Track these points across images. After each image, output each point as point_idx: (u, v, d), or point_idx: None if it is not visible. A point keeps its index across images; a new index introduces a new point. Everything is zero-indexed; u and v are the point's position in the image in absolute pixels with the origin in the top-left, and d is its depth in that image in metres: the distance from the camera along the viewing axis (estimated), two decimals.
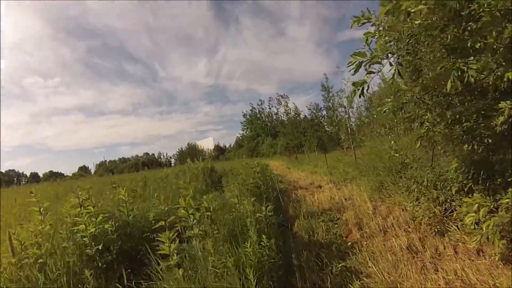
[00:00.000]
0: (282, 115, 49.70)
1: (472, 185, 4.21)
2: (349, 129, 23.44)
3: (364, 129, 18.08)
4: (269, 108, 57.22)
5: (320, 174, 12.00)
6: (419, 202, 5.00)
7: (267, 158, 41.98)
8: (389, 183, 6.49)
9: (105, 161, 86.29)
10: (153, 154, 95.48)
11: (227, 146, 78.49)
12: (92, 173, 64.37)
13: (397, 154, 8.16)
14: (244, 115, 60.65)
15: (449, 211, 4.46)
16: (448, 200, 4.52)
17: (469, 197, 3.54)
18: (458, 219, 4.28)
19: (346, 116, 25.86)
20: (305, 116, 33.16)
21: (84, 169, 77.03)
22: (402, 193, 5.84)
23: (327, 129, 28.90)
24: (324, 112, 29.11)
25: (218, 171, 12.53)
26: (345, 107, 26.60)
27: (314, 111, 31.13)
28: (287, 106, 44.63)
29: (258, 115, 58.61)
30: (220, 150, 74.96)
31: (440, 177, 4.79)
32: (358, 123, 23.14)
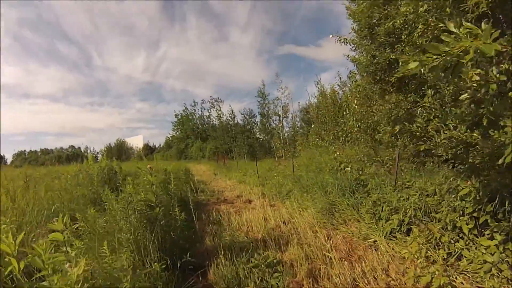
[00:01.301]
0: (214, 119, 47.20)
1: (489, 220, 2.72)
2: (281, 138, 22.47)
3: (299, 139, 17.01)
4: (201, 111, 54.24)
5: (250, 185, 10.10)
6: (404, 239, 3.35)
7: (195, 161, 39.06)
8: (344, 205, 4.83)
9: (24, 150, 72.78)
10: (79, 148, 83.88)
11: (157, 146, 73.42)
12: (8, 163, 54.17)
13: (348, 168, 6.79)
14: (176, 115, 56.42)
15: (453, 256, 2.86)
16: (452, 241, 2.92)
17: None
18: (467, 270, 2.71)
19: (280, 125, 24.96)
20: (237, 122, 31.45)
21: None
22: (365, 220, 4.19)
23: (258, 136, 27.61)
24: (258, 119, 27.82)
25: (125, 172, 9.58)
26: (279, 116, 25.74)
27: (247, 117, 29.68)
28: (220, 110, 42.39)
29: (190, 117, 54.99)
30: (149, 150, 69.36)
31: (439, 204, 3.22)
32: (292, 132, 22.35)
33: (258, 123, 27.01)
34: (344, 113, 11.08)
